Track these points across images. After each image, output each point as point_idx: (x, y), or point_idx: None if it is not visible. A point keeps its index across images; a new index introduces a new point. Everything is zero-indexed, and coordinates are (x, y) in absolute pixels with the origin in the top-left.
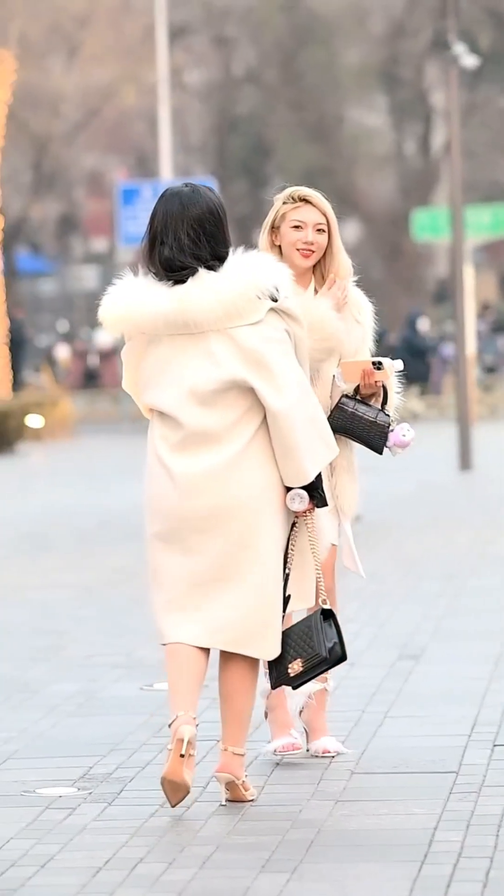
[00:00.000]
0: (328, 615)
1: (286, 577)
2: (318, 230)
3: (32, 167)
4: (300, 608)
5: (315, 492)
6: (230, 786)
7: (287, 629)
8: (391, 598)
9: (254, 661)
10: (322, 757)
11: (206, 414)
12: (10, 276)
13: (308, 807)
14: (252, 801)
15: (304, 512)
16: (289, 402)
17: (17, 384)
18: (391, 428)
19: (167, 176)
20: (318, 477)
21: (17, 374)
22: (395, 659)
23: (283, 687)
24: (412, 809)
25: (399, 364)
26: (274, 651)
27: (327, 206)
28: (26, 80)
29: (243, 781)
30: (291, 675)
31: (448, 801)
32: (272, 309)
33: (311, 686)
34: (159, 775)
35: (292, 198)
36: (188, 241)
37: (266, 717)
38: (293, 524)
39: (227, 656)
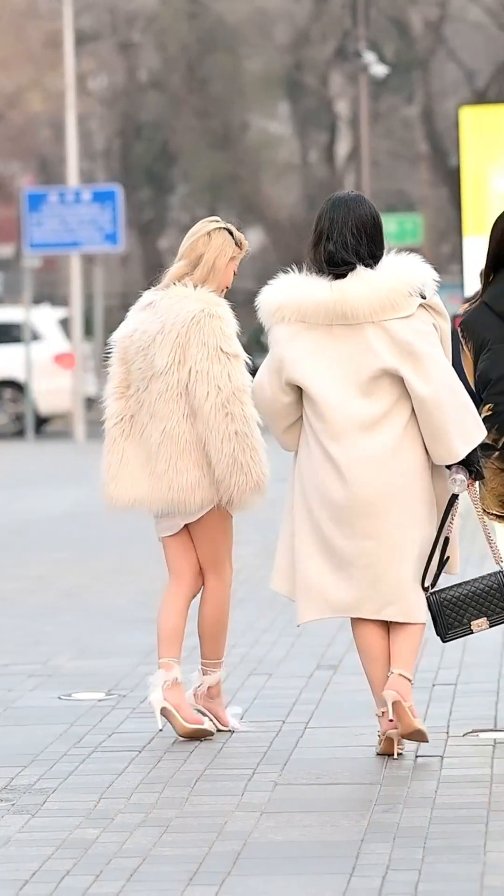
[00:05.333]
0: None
1: (445, 542)
2: None
3: None
4: (453, 573)
5: (472, 467)
6: (397, 707)
7: (462, 590)
8: None
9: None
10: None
11: (365, 402)
12: None
13: (233, 818)
14: (422, 729)
15: (469, 484)
16: (435, 388)
17: None
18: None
19: (73, 182)
20: (475, 453)
21: None
22: (312, 669)
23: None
24: (338, 821)
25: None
26: (423, 616)
27: None
28: None
29: (410, 706)
30: (475, 630)
31: (373, 812)
32: (421, 305)
33: (212, 678)
34: (83, 786)
35: (240, 246)
36: (352, 239)
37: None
38: (453, 498)
39: (396, 624)
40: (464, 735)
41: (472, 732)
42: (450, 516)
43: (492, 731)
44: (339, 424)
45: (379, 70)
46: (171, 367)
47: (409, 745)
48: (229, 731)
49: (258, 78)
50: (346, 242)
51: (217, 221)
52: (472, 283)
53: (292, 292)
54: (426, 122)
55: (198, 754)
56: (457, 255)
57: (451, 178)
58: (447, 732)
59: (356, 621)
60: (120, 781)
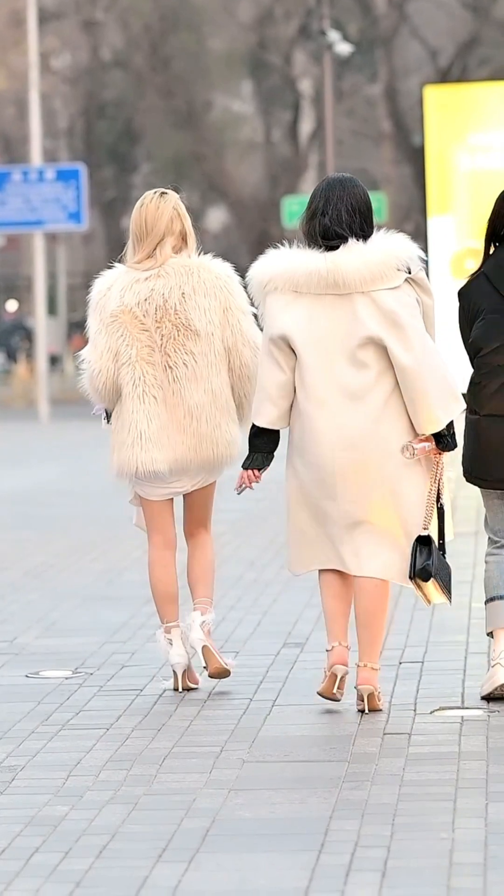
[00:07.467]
0: (426, 541)
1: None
2: None
3: None
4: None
5: (443, 438)
6: (369, 696)
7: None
8: (273, 587)
9: (386, 590)
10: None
11: (352, 372)
12: None
13: (201, 795)
14: (381, 710)
15: (437, 454)
16: (416, 357)
17: None
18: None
19: (36, 161)
20: (448, 425)
21: None
22: (279, 647)
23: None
24: (306, 798)
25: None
26: (404, 577)
27: None
28: None
29: (379, 693)
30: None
31: (341, 789)
32: (407, 279)
33: (212, 616)
34: (51, 764)
35: None
36: (346, 215)
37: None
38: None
39: (364, 585)
40: (431, 712)
41: (439, 710)
42: (436, 482)
43: (459, 708)
44: (327, 391)
45: (343, 48)
46: (213, 329)
47: (378, 723)
48: (195, 690)
49: (221, 56)
50: (340, 218)
51: (167, 191)
52: (437, 262)
53: (284, 263)
54: (389, 101)
55: (165, 732)
56: (420, 234)
57: (414, 157)
58: (414, 710)
59: (324, 571)
60: (88, 759)
